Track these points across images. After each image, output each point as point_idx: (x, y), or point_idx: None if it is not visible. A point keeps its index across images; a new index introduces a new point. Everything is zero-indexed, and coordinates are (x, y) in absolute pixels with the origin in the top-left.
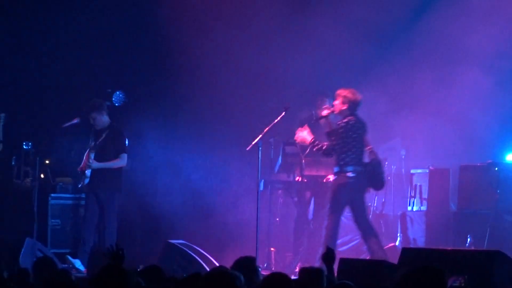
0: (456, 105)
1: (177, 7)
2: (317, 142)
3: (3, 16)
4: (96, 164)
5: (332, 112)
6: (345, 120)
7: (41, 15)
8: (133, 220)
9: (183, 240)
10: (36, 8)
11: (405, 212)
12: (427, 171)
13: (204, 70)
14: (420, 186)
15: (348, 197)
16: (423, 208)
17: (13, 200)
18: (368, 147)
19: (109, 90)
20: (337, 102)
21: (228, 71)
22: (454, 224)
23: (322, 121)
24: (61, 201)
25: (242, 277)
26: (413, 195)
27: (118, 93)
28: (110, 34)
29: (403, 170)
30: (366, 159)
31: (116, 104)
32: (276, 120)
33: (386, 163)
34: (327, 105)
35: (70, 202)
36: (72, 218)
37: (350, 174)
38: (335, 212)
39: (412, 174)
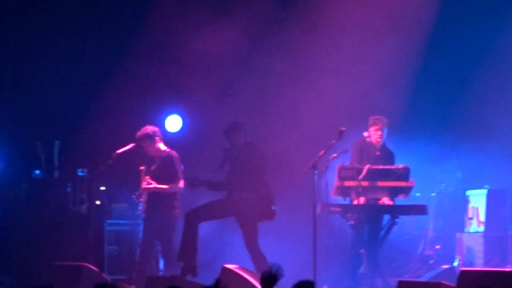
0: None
1: (236, 28)
2: (215, 182)
3: (54, 45)
4: (150, 186)
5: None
6: (244, 147)
7: (93, 43)
8: None
9: (238, 264)
10: (88, 36)
11: (462, 234)
12: (484, 192)
13: (258, 94)
14: (477, 208)
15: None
16: (481, 229)
17: (70, 227)
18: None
19: (164, 116)
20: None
21: (283, 95)
22: None
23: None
24: (118, 227)
25: None
26: (470, 216)
27: (173, 118)
28: (163, 60)
29: (459, 192)
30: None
31: (171, 130)
32: (331, 143)
33: (443, 185)
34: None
35: (126, 228)
36: (129, 244)
37: (236, 197)
38: (204, 218)
39: (469, 195)
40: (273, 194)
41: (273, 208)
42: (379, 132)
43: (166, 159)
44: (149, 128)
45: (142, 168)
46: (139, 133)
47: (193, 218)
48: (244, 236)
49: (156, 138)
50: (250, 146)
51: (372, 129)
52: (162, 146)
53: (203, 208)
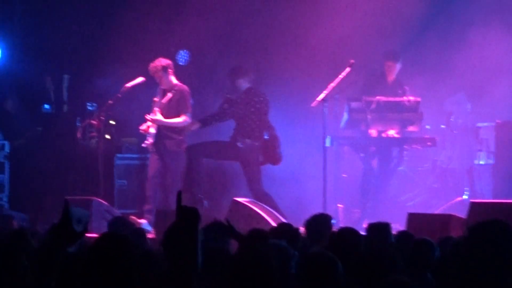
0: None
1: None
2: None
3: None
4: (158, 118)
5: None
6: (246, 93)
7: None
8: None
9: (250, 198)
10: None
11: (472, 166)
12: (494, 124)
13: (266, 29)
14: (487, 139)
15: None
16: (490, 161)
17: (79, 161)
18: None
19: (173, 49)
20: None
21: (292, 25)
22: None
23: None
24: (127, 161)
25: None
26: (480, 148)
27: (182, 52)
28: None
29: (469, 124)
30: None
31: (180, 64)
32: (341, 76)
33: (453, 117)
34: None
35: (136, 162)
36: (138, 178)
37: (239, 145)
38: (206, 155)
39: (479, 127)
40: (278, 138)
41: (279, 151)
42: (393, 68)
43: (178, 92)
44: (163, 61)
45: (156, 99)
46: (152, 65)
47: (196, 152)
48: (247, 181)
49: (170, 70)
50: (251, 92)
51: (386, 63)
52: (174, 80)
53: (208, 145)
